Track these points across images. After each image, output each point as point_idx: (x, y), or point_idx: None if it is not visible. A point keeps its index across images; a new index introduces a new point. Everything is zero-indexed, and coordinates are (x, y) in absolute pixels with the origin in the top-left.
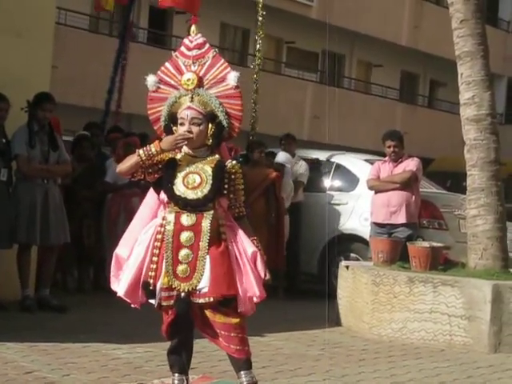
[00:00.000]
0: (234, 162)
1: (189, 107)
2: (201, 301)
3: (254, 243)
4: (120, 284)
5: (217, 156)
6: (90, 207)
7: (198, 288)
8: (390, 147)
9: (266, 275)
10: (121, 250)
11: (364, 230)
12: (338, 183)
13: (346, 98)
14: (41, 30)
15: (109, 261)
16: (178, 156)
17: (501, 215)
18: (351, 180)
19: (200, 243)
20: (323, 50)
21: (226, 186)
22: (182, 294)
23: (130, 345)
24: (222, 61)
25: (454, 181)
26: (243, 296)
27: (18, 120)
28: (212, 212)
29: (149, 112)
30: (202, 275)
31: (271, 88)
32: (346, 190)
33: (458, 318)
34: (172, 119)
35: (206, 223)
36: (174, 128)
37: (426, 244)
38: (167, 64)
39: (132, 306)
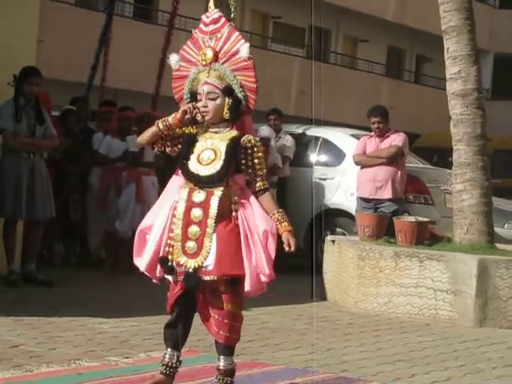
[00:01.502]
0: (251, 136)
1: (206, 82)
2: (206, 278)
3: (275, 218)
4: (142, 259)
5: (234, 131)
6: (76, 181)
7: (204, 265)
8: (374, 123)
9: (290, 247)
10: (144, 224)
11: (350, 205)
12: (324, 158)
13: (333, 73)
14: (26, 5)
15: (91, 235)
16: (198, 131)
17: (486, 190)
18: (337, 155)
19: (208, 220)
20: (310, 26)
21: (244, 162)
22: (190, 270)
23: (116, 319)
24: (237, 33)
25: (440, 156)
26: (252, 275)
27: (5, 94)
28: (222, 189)
29: (174, 91)
30: (208, 252)
31: (258, 63)
32: (333, 164)
33: (444, 292)
34: (193, 96)
35: (214, 200)
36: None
37: (411, 219)
38: (188, 42)
39: (154, 280)
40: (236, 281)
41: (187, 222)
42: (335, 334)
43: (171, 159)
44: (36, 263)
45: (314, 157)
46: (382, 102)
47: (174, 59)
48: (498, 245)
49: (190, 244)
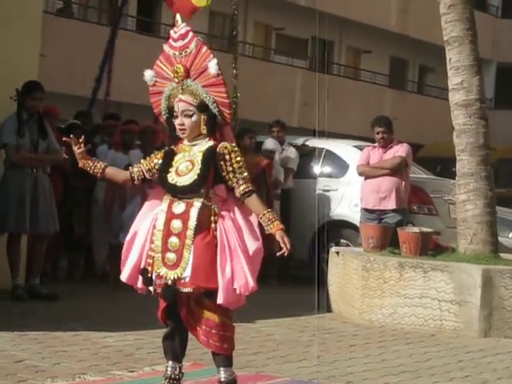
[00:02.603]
0: (227, 143)
1: (179, 100)
2: (184, 290)
3: (265, 218)
4: (124, 271)
5: (211, 142)
6: (82, 195)
7: (183, 276)
8: (378, 133)
9: (285, 245)
10: (129, 237)
11: (354, 216)
12: (327, 169)
13: (336, 84)
14: (28, 18)
15: (96, 248)
16: (177, 147)
17: (490, 200)
18: (341, 166)
19: (187, 232)
20: (312, 37)
21: (224, 168)
22: (169, 282)
23: (120, 332)
24: (205, 49)
25: (444, 166)
26: (226, 288)
27: (7, 109)
28: (202, 200)
29: (153, 106)
30: (187, 264)
31: (261, 75)
32: (336, 176)
33: (448, 302)
34: (171, 112)
35: (193, 211)
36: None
37: (415, 229)
38: (161, 57)
39: (139, 291)
40: (210, 293)
41: (167, 233)
42: (340, 346)
43: None
44: (40, 278)
45: (317, 168)
46: (385, 112)
47: (148, 75)
48: (502, 254)
49: (170, 255)
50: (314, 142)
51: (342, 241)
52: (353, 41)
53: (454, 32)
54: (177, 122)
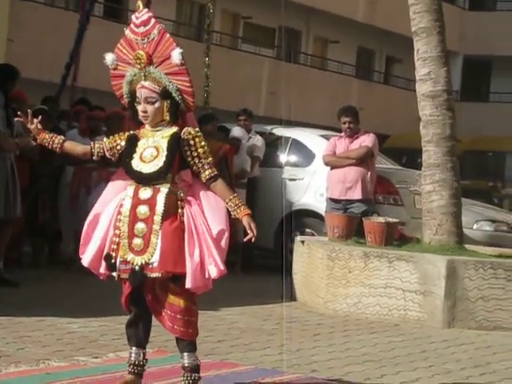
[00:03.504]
0: (190, 128)
1: (142, 86)
2: (152, 275)
3: (232, 203)
4: (85, 255)
5: (175, 128)
6: (47, 181)
7: (150, 262)
8: (345, 123)
9: (253, 234)
10: (89, 220)
11: (319, 206)
12: (294, 158)
13: (303, 73)
14: None
15: (63, 234)
16: (140, 131)
17: (456, 191)
18: (307, 155)
19: (154, 217)
20: (280, 26)
21: (188, 153)
22: (136, 268)
23: (85, 319)
24: (167, 37)
25: (409, 157)
26: (194, 272)
27: None
28: (169, 186)
29: (114, 89)
30: (154, 249)
31: (228, 63)
32: (302, 165)
33: (413, 293)
34: (133, 97)
35: (160, 197)
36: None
37: (381, 219)
38: (122, 41)
39: (100, 277)
40: (177, 278)
41: (133, 219)
42: (304, 335)
43: None
44: (4, 263)
45: (283, 157)
46: (352, 102)
47: (109, 58)
48: (466, 246)
49: (137, 241)
50: (280, 131)
51: (307, 230)
52: (320, 30)
53: (422, 23)
54: (140, 108)
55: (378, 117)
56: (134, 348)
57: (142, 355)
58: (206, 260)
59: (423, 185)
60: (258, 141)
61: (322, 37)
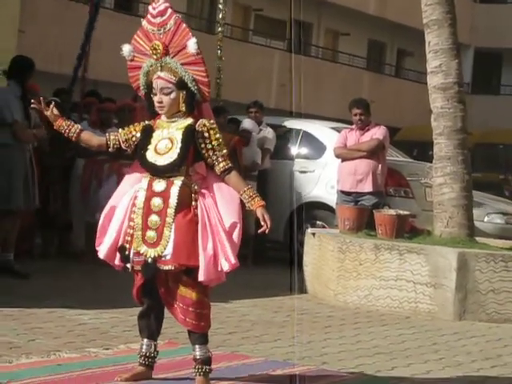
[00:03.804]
0: (205, 120)
1: (158, 77)
2: (165, 268)
3: (246, 195)
4: (101, 247)
5: (189, 120)
6: (58, 173)
7: (163, 254)
8: (356, 115)
9: (267, 226)
10: (105, 211)
11: (330, 198)
12: (304, 151)
13: (314, 66)
14: None
15: (74, 226)
16: (155, 122)
17: (467, 183)
18: (318, 148)
19: (168, 210)
20: (291, 18)
21: (203, 146)
22: (149, 260)
23: (96, 310)
24: (184, 26)
25: (420, 150)
26: (207, 265)
27: None
28: (182, 178)
29: (130, 80)
30: (167, 242)
31: (239, 56)
32: (313, 157)
33: (424, 285)
34: (150, 88)
35: (174, 189)
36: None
37: (392, 212)
38: (139, 32)
39: (116, 268)
40: (191, 271)
41: (147, 211)
42: (315, 327)
43: None
44: (15, 256)
45: (294, 149)
46: (363, 95)
47: (126, 50)
48: (477, 238)
49: (151, 233)
50: (291, 123)
51: (317, 222)
52: (331, 23)
53: (434, 15)
54: (156, 99)
55: (388, 109)
56: (145, 340)
57: (153, 347)
58: (218, 253)
59: (434, 177)
60: (269, 133)
61: (332, 29)
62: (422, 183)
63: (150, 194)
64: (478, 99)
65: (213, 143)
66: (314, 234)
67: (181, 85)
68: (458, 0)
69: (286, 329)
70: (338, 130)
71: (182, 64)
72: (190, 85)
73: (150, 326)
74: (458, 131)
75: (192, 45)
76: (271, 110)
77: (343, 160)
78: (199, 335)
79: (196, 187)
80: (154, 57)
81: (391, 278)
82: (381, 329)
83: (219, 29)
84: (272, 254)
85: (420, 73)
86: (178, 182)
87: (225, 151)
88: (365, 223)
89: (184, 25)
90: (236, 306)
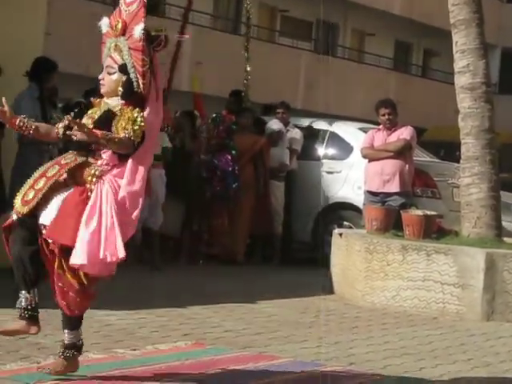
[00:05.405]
0: (135, 110)
1: (109, 55)
2: (44, 235)
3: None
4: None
5: (119, 106)
6: None
7: (43, 223)
8: (384, 115)
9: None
10: None
11: (357, 199)
12: (331, 151)
13: (340, 66)
14: None
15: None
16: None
17: (495, 184)
18: (345, 148)
19: (54, 178)
20: (317, 19)
21: (114, 129)
22: (14, 216)
23: (122, 311)
24: (142, 11)
25: (448, 150)
26: (90, 252)
27: (13, 85)
28: (86, 158)
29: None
30: (38, 202)
31: (265, 57)
32: (340, 158)
33: (451, 286)
34: None
35: (71, 164)
36: None
37: (419, 212)
38: (117, 8)
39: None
40: (66, 250)
41: (42, 174)
42: (342, 328)
43: (179, 152)
44: None
45: (321, 150)
46: (389, 95)
47: (104, 23)
48: (505, 239)
49: (31, 193)
50: (318, 124)
51: (344, 223)
52: (357, 23)
53: (461, 15)
54: (100, 76)
55: (415, 110)
56: (22, 292)
57: (29, 298)
58: (106, 243)
59: (462, 178)
60: (296, 133)
61: (359, 30)
62: (449, 183)
63: (55, 162)
64: (505, 99)
65: (119, 124)
66: (341, 235)
67: (123, 68)
68: (484, 0)
69: (313, 329)
70: (365, 131)
71: (129, 48)
72: (129, 70)
73: (26, 277)
74: (486, 131)
75: (138, 30)
76: (298, 110)
77: (370, 160)
78: (68, 319)
79: (97, 172)
80: (114, 33)
81: (419, 278)
82: (408, 329)
83: (245, 30)
84: (299, 254)
85: (447, 73)
86: (80, 159)
87: (122, 135)
88: (392, 224)
89: (143, 10)
90: (263, 306)
